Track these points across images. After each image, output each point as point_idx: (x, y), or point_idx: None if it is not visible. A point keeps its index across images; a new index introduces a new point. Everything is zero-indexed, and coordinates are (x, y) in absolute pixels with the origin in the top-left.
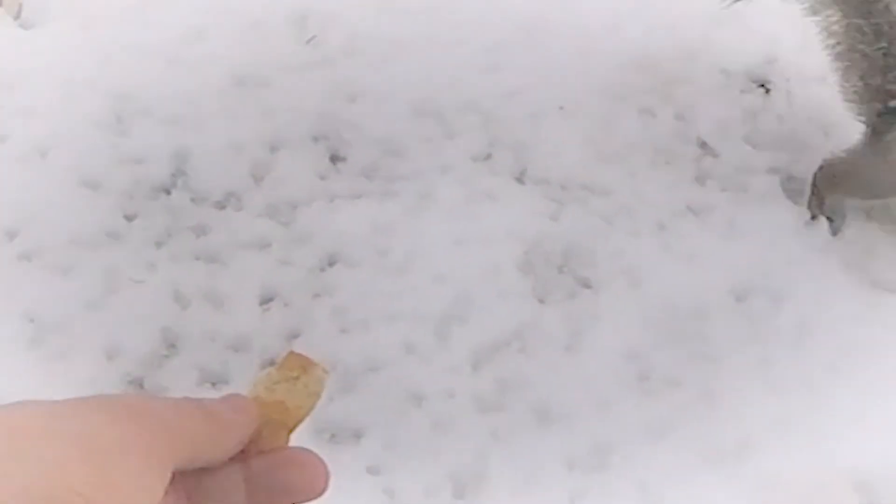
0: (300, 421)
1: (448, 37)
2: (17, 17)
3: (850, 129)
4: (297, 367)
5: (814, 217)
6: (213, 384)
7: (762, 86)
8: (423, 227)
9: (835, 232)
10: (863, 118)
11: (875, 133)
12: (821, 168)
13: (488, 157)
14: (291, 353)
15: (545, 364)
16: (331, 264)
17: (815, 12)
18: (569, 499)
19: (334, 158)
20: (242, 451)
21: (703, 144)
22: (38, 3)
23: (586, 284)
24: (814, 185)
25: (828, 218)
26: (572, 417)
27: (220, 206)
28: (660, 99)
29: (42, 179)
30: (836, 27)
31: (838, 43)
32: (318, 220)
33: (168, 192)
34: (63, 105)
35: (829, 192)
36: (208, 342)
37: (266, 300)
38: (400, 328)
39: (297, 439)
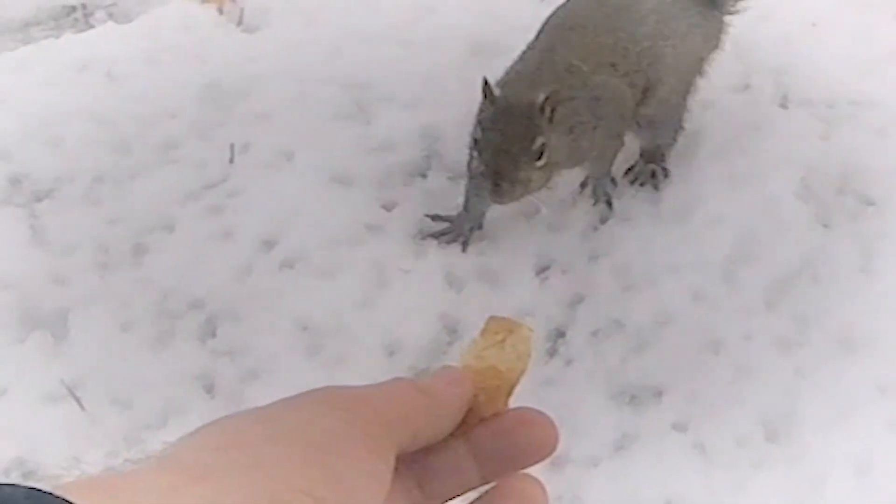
0: (515, 383)
1: None
2: (239, 23)
3: None
4: (501, 331)
5: None
6: None
7: None
8: (694, 169)
9: None
10: None
11: None
12: None
13: (747, 87)
14: (492, 317)
15: (841, 290)
16: (603, 222)
17: None
18: (886, 424)
19: None
20: (463, 424)
21: None
22: (258, 5)
23: (869, 202)
24: None
25: None
26: (877, 341)
27: None
28: None
29: (292, 183)
30: None
31: None
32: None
33: (424, 176)
34: (301, 103)
35: None
36: None
37: (542, 269)
38: (685, 277)
39: (586, 404)
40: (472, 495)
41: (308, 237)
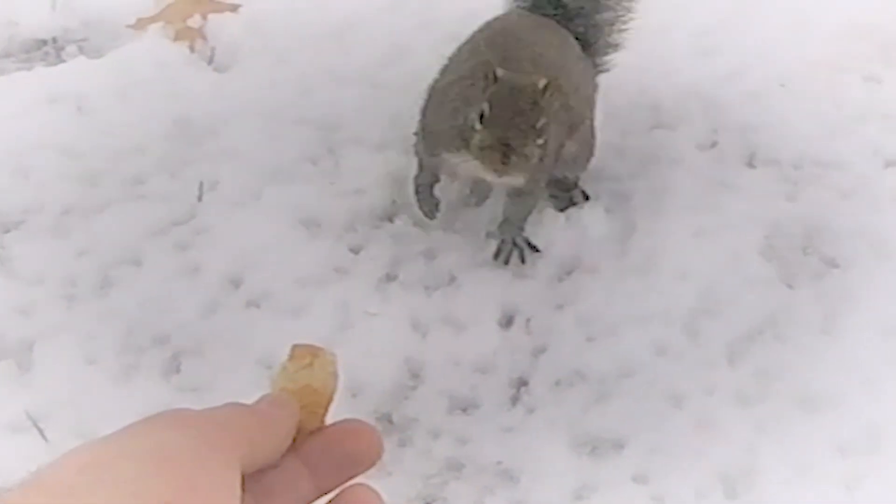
0: (330, 399)
1: (657, 23)
2: (210, 61)
3: None
4: (307, 356)
5: None
6: (464, 410)
7: None
8: (660, 222)
9: None
10: None
11: None
12: None
13: (714, 144)
14: (296, 345)
15: (803, 349)
16: (568, 273)
17: None
18: (844, 485)
19: None
20: (292, 440)
21: None
22: (229, 43)
23: (833, 264)
24: None
25: None
26: (838, 401)
27: (446, 227)
28: (884, 64)
29: (260, 222)
30: None
31: None
32: (551, 229)
33: (391, 220)
34: (270, 143)
35: None
36: (453, 367)
37: (507, 316)
38: (649, 330)
39: (547, 453)
40: None
41: (274, 276)
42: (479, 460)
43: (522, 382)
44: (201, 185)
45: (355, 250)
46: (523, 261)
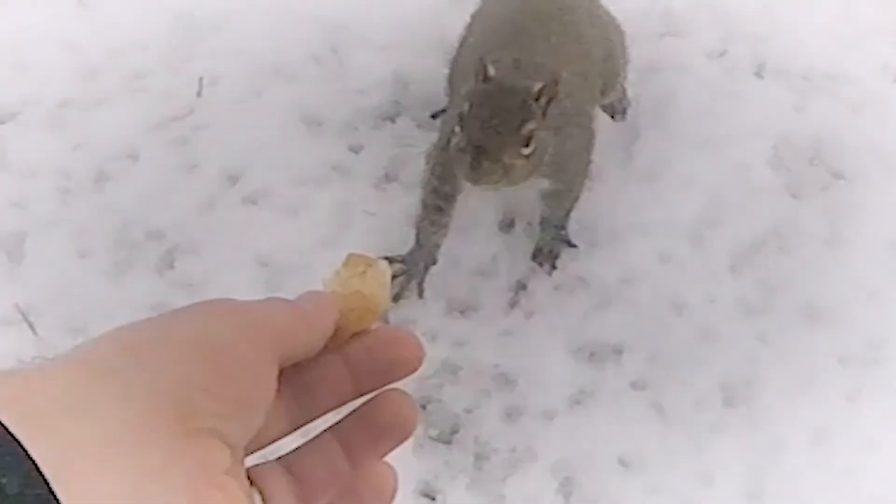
0: (379, 307)
1: None
2: None
3: None
4: (361, 264)
5: None
6: (462, 312)
7: None
8: (666, 130)
9: None
10: None
11: None
12: None
13: (723, 53)
14: (352, 254)
15: (807, 261)
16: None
17: None
18: (844, 396)
19: None
20: (336, 340)
21: None
22: None
23: (839, 175)
24: None
25: None
26: (841, 313)
27: None
28: None
29: (260, 119)
30: None
31: None
32: None
33: (392, 120)
34: (273, 41)
35: None
36: (452, 269)
37: (507, 221)
38: (653, 237)
39: (545, 357)
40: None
41: (273, 174)
42: (476, 363)
43: (522, 286)
44: (201, 80)
45: (356, 150)
46: (554, 267)
